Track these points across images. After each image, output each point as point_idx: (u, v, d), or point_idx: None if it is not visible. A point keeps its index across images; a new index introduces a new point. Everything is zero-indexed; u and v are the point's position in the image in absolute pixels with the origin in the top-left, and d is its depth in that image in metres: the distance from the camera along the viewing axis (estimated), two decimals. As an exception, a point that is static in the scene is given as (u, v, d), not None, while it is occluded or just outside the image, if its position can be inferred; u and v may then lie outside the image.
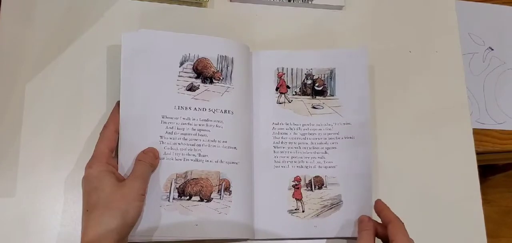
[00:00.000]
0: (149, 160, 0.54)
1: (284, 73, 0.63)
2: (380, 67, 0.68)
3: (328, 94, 0.63)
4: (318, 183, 0.61)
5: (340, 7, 0.70)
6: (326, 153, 0.61)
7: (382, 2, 0.72)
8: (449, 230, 0.63)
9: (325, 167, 0.61)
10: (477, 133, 0.93)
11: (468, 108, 0.69)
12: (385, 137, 0.65)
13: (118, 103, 0.57)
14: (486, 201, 0.66)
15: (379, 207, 0.59)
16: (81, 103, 0.59)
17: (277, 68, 0.63)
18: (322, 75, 0.64)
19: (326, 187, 0.61)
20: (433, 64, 0.70)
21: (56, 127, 0.58)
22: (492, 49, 1.06)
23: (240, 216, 0.57)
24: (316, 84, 0.63)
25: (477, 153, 0.67)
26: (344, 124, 0.62)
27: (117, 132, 0.55)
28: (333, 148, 0.62)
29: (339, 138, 0.62)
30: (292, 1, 0.69)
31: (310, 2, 0.69)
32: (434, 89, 0.69)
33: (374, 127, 0.65)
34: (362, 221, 0.59)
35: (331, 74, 0.64)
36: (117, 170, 0.54)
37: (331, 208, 0.60)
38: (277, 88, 0.63)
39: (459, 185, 0.65)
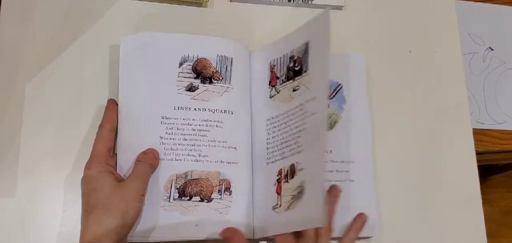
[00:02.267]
0: (149, 160, 0.54)
1: (275, 65, 0.62)
2: (380, 67, 0.68)
3: (303, 71, 0.58)
4: (291, 172, 0.55)
5: (340, 7, 0.70)
6: (298, 137, 0.56)
7: (382, 2, 0.72)
8: (449, 230, 0.63)
9: (297, 153, 0.55)
10: (477, 133, 0.93)
11: (468, 108, 0.69)
12: (385, 137, 0.65)
13: (111, 101, 0.57)
14: (486, 201, 0.66)
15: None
16: (81, 103, 0.59)
17: (270, 62, 0.62)
18: (300, 54, 0.59)
19: (296, 174, 0.55)
20: (433, 64, 0.70)
21: (56, 127, 0.58)
22: (492, 49, 1.06)
23: (240, 215, 0.57)
24: (296, 65, 0.59)
25: (477, 153, 0.67)
26: (311, 99, 0.55)
27: (113, 131, 0.55)
28: (303, 129, 0.56)
29: (307, 116, 0.55)
30: (292, 1, 0.69)
31: (310, 2, 0.69)
32: (434, 89, 0.69)
33: (374, 126, 0.65)
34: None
35: (306, 49, 0.58)
36: (115, 169, 0.54)
37: (296, 198, 0.54)
38: (270, 83, 0.62)
39: (459, 185, 0.65)
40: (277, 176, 0.58)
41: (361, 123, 0.63)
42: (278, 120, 0.60)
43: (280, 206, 0.56)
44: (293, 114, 0.58)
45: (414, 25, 0.72)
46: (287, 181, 0.56)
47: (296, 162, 0.55)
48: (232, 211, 0.56)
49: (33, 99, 0.59)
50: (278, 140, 0.59)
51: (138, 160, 0.54)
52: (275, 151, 0.59)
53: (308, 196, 0.52)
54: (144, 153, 0.55)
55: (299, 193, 0.53)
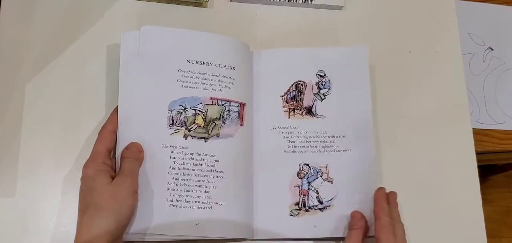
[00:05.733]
0: (134, 155, 0.53)
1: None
2: (380, 67, 0.68)
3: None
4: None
5: (340, 7, 0.70)
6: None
7: (382, 2, 0.72)
8: (449, 230, 0.63)
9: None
10: (477, 133, 0.93)
11: (468, 108, 0.69)
12: (384, 137, 0.65)
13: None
14: (486, 201, 0.66)
15: (376, 197, 0.58)
16: (81, 103, 0.59)
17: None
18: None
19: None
20: (433, 64, 0.70)
21: (56, 127, 0.58)
22: (492, 49, 1.06)
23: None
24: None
25: (477, 153, 0.67)
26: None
27: (114, 132, 0.55)
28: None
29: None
30: (292, 1, 0.69)
31: (310, 2, 0.69)
32: (434, 89, 0.69)
33: (374, 127, 0.65)
34: (353, 217, 0.57)
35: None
36: (114, 170, 0.54)
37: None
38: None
39: (459, 185, 0.65)
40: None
41: (363, 118, 0.63)
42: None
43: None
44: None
45: (414, 25, 0.72)
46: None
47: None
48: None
49: (33, 99, 0.59)
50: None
51: (123, 157, 0.53)
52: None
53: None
54: (126, 148, 0.54)
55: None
